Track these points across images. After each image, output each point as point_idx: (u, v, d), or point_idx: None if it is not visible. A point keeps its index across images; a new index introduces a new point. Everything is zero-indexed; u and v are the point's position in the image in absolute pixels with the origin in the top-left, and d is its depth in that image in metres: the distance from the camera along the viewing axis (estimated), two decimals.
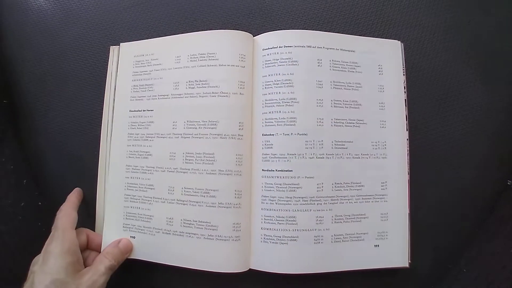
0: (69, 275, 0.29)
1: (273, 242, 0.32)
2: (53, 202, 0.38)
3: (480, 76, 0.38)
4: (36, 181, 0.38)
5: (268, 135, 0.34)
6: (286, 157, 0.33)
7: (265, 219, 0.33)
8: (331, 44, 0.35)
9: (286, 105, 0.33)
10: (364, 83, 0.35)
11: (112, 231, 0.36)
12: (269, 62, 0.35)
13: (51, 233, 0.31)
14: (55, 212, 0.37)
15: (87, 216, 0.37)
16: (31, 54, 0.41)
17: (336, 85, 0.34)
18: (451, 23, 0.39)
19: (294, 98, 0.33)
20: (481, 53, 0.38)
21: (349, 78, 0.35)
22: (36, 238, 0.34)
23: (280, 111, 0.33)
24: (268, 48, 0.35)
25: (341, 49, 0.35)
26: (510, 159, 0.37)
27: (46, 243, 0.31)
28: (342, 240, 0.33)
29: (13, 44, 0.42)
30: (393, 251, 0.34)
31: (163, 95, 0.36)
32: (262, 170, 0.33)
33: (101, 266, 0.31)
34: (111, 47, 0.39)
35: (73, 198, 0.36)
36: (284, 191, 0.33)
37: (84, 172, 0.38)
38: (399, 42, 0.36)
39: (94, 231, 0.36)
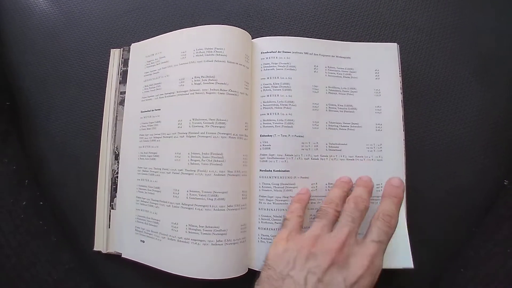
0: None
1: (270, 242, 0.33)
2: (54, 202, 0.39)
3: (477, 77, 0.38)
4: (38, 181, 0.39)
5: (266, 136, 0.34)
6: (284, 158, 0.33)
7: (262, 219, 0.33)
8: (327, 51, 0.36)
9: (284, 107, 0.34)
10: (360, 88, 0.36)
11: (124, 233, 0.36)
12: (268, 65, 0.35)
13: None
14: (56, 212, 0.38)
15: (87, 216, 0.37)
16: (33, 57, 0.42)
17: (331, 90, 0.35)
18: (447, 25, 0.39)
19: (292, 101, 0.34)
20: (477, 54, 0.38)
21: (345, 84, 0.35)
22: (37, 236, 0.34)
23: (278, 113, 0.34)
24: (267, 52, 0.35)
25: (336, 56, 0.36)
26: (507, 159, 0.37)
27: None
28: None
29: (16, 47, 0.43)
30: (393, 251, 0.34)
31: (169, 93, 0.35)
32: (260, 170, 0.34)
33: None
34: (112, 50, 0.40)
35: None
36: (281, 191, 0.33)
37: (85, 173, 0.38)
38: (395, 44, 0.37)
39: (94, 229, 0.37)
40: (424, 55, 0.38)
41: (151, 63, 0.37)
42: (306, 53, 0.35)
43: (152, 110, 0.36)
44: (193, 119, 0.33)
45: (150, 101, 0.36)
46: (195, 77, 0.34)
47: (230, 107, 0.33)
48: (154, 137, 0.35)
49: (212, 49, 0.34)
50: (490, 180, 0.37)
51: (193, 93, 0.34)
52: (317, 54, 0.35)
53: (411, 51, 0.38)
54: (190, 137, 0.33)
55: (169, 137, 0.34)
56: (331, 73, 0.35)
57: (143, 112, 0.37)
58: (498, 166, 0.37)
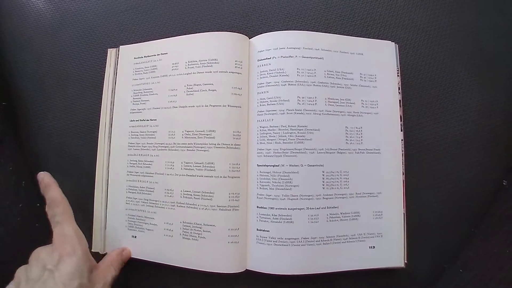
0: (90, 280, 0.29)
1: (268, 243, 0.33)
2: None
3: (475, 77, 0.38)
4: (35, 182, 0.38)
5: (264, 127, 0.34)
6: (281, 155, 0.33)
7: (260, 219, 0.33)
8: (325, 45, 0.35)
9: (279, 104, 0.34)
10: (358, 83, 0.35)
11: (115, 229, 0.36)
12: (264, 62, 0.35)
13: (59, 232, 0.31)
14: None
15: (86, 216, 0.37)
16: (31, 57, 0.42)
17: (331, 84, 0.35)
18: (446, 24, 0.39)
19: (288, 100, 0.34)
20: (476, 54, 0.38)
21: (343, 79, 0.35)
22: (34, 240, 0.34)
23: (273, 119, 0.34)
24: (264, 51, 0.35)
25: (334, 51, 0.35)
26: (505, 159, 0.37)
27: (57, 243, 0.30)
28: (337, 241, 0.33)
29: (13, 47, 0.42)
30: (389, 251, 0.34)
31: (161, 104, 0.36)
32: (258, 165, 0.34)
33: (108, 276, 0.31)
34: (109, 50, 0.40)
35: (56, 189, 0.34)
36: (279, 189, 0.33)
37: (82, 174, 0.38)
38: (394, 43, 0.36)
39: (92, 231, 0.37)
40: (423, 55, 0.38)
41: (140, 70, 0.38)
42: (303, 47, 0.34)
43: (147, 120, 0.36)
44: (185, 130, 0.35)
45: (142, 111, 0.37)
46: (187, 86, 0.35)
47: (218, 117, 0.34)
48: (148, 146, 0.36)
49: (203, 61, 0.35)
50: (489, 180, 0.36)
51: (186, 106, 0.35)
52: (317, 49, 0.35)
53: (410, 51, 0.38)
54: (182, 147, 0.35)
55: (165, 147, 0.35)
56: (330, 68, 0.35)
57: (133, 121, 0.37)
58: (497, 166, 0.37)
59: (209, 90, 0.35)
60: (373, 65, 0.36)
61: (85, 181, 0.38)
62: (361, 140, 0.34)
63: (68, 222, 0.31)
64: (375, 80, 0.36)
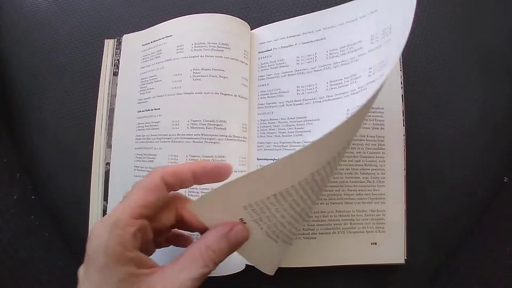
0: None
1: None
2: (46, 196, 0.38)
3: (479, 74, 0.37)
4: (30, 175, 0.38)
5: (263, 120, 0.34)
6: (281, 149, 0.33)
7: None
8: (328, 22, 0.33)
9: (279, 96, 0.33)
10: (368, 48, 0.33)
11: None
12: (264, 55, 0.34)
13: None
14: (48, 206, 0.37)
15: (82, 210, 0.37)
16: (26, 48, 0.41)
17: (334, 64, 0.33)
18: (449, 21, 0.38)
19: (287, 91, 0.33)
20: (480, 51, 0.38)
21: (349, 53, 0.33)
22: (28, 232, 0.34)
23: (273, 112, 0.33)
24: (265, 42, 0.35)
25: (339, 24, 0.33)
26: (507, 156, 0.36)
27: None
28: (336, 235, 0.33)
29: (8, 38, 0.42)
30: (389, 247, 0.33)
31: (167, 91, 0.33)
32: (258, 158, 0.33)
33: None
34: (106, 41, 0.39)
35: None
36: None
37: (78, 166, 0.38)
38: None
39: (88, 225, 0.36)
40: (425, 52, 0.37)
41: (147, 57, 0.36)
42: (304, 33, 0.33)
43: (151, 110, 0.34)
44: (191, 120, 0.32)
45: (147, 100, 0.35)
46: (194, 71, 0.32)
47: (229, 107, 0.32)
48: (152, 138, 0.34)
49: (212, 43, 0.32)
50: (490, 177, 0.36)
51: (192, 92, 0.32)
52: (318, 30, 0.33)
53: (412, 47, 0.37)
54: (187, 139, 0.32)
55: (168, 139, 0.33)
56: (333, 53, 0.33)
57: (140, 112, 0.35)
58: (498, 163, 0.36)
59: (219, 76, 0.32)
60: (389, 16, 0.30)
61: (80, 173, 0.37)
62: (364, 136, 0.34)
63: None
64: (390, 33, 0.29)
